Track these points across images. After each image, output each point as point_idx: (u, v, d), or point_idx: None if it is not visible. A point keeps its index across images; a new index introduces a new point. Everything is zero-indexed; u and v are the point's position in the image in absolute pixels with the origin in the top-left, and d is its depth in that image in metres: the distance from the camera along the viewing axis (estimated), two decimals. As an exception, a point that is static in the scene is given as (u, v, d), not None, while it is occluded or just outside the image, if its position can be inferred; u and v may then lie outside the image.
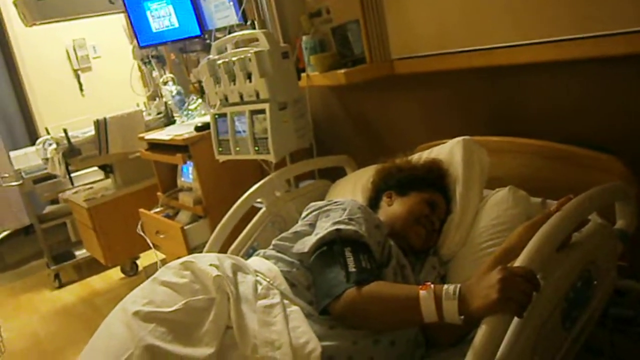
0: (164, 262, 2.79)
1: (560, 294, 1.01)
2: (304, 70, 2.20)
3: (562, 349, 1.03)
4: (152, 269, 3.09)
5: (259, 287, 1.15)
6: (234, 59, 1.87)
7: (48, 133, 3.17)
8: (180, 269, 1.17)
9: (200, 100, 2.88)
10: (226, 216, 1.74)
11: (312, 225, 1.27)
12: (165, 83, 3.11)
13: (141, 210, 2.79)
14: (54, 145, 3.00)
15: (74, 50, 4.29)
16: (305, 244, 1.20)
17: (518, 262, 0.93)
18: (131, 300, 1.12)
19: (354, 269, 1.08)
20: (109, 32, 4.05)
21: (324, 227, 1.19)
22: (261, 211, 1.77)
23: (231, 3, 2.22)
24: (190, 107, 2.92)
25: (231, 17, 2.28)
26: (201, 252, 1.77)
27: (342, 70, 2.00)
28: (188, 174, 2.63)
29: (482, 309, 0.88)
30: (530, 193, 1.39)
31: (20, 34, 4.06)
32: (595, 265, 1.10)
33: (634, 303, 1.41)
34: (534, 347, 0.94)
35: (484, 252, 1.26)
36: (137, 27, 2.97)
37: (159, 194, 2.81)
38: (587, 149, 1.37)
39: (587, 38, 1.37)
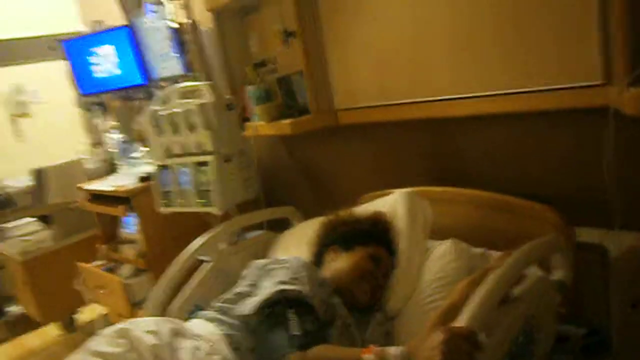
0: (105, 317, 2.66)
1: (503, 351, 1.02)
2: (249, 119, 2.20)
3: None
4: (92, 325, 2.94)
5: (200, 353, 1.10)
6: (177, 110, 1.85)
7: (-20, 182, 3.02)
8: (115, 336, 1.11)
9: (144, 148, 2.82)
10: (167, 272, 1.68)
11: (255, 286, 1.24)
12: (108, 131, 3.04)
13: (80, 263, 2.66)
14: (-15, 196, 2.85)
15: (12, 95, 4.12)
16: (248, 306, 1.17)
17: (460, 321, 0.93)
18: (60, 375, 1.04)
19: (297, 333, 1.05)
20: (50, 77, 3.93)
21: (267, 288, 1.17)
22: (204, 266, 1.72)
23: (175, 54, 2.21)
24: (134, 155, 2.86)
25: (175, 67, 2.27)
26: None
27: (288, 121, 2.01)
28: (131, 225, 2.55)
29: (426, 372, 0.87)
30: (472, 242, 1.41)
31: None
32: (535, 319, 1.12)
33: (574, 348, 1.43)
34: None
35: (428, 307, 1.26)
36: (79, 75, 2.92)
37: (99, 246, 2.70)
38: (524, 199, 1.42)
39: (520, 93, 1.43)
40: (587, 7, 1.22)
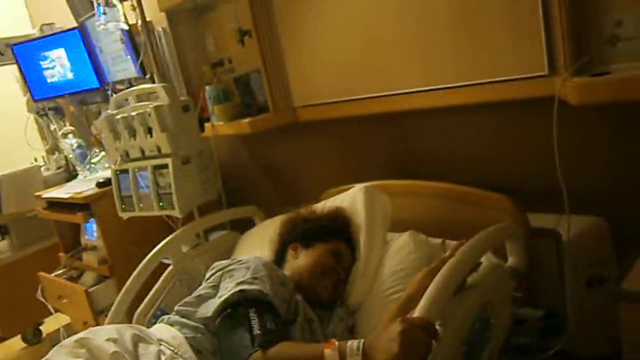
0: (68, 327, 2.60)
1: (460, 338, 1.05)
2: (209, 120, 2.18)
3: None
4: (57, 335, 2.86)
5: (162, 358, 1.10)
6: (133, 114, 1.82)
7: None
8: (75, 347, 1.09)
9: (103, 153, 2.76)
10: (131, 278, 1.66)
11: (216, 287, 1.24)
12: (64, 136, 2.96)
13: (41, 273, 2.60)
14: None
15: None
16: (209, 308, 1.17)
17: (417, 312, 0.96)
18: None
19: (258, 332, 1.05)
20: (0, 83, 3.80)
21: (227, 289, 1.17)
22: (168, 270, 1.70)
23: (128, 57, 2.17)
24: (93, 160, 2.79)
25: (129, 69, 2.23)
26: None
27: (247, 120, 2.01)
28: (92, 232, 2.49)
29: (386, 362, 0.89)
30: (432, 233, 1.44)
31: None
32: (491, 305, 1.15)
33: (532, 330, 1.48)
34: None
35: (389, 299, 1.28)
36: (31, 80, 2.83)
37: (60, 254, 2.64)
38: (481, 189, 1.45)
39: (471, 85, 1.47)
40: (532, 1, 1.26)
